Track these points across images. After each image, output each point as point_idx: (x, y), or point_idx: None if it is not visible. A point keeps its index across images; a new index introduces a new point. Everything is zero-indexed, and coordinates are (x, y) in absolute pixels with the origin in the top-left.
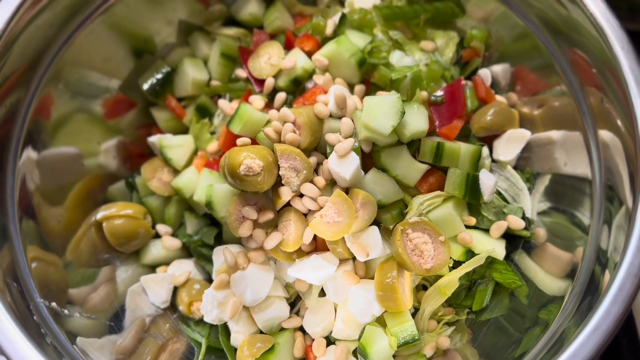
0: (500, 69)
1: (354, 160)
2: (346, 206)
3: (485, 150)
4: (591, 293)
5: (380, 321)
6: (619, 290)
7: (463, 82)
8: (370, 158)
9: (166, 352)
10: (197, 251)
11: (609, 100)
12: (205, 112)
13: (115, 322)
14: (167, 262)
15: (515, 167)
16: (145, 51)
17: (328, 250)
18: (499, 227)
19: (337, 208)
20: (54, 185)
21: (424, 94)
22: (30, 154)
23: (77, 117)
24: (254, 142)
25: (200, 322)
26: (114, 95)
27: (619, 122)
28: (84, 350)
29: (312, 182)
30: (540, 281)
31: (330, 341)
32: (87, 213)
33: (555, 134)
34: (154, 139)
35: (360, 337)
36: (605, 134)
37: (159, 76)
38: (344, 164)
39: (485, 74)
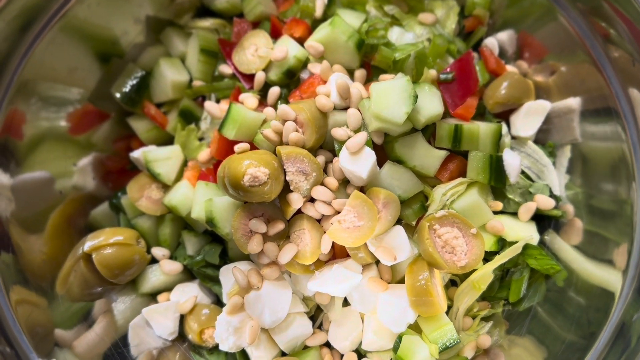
0: (505, 36)
1: (370, 156)
2: (367, 208)
3: (504, 128)
4: None
5: (413, 326)
6: None
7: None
8: (382, 150)
9: None
10: (201, 273)
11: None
12: (190, 117)
13: None
14: (168, 289)
15: (535, 142)
16: (113, 55)
17: (348, 256)
18: (527, 209)
19: (356, 211)
20: (29, 214)
21: (433, 72)
22: (0, 178)
23: (45, 136)
24: (252, 146)
25: (215, 349)
26: (80, 107)
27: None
28: None
29: (323, 184)
30: (576, 262)
31: (360, 354)
32: (70, 243)
33: (573, 101)
34: (137, 154)
35: (396, 348)
36: (636, 93)
37: (133, 82)
38: (358, 162)
39: (492, 43)
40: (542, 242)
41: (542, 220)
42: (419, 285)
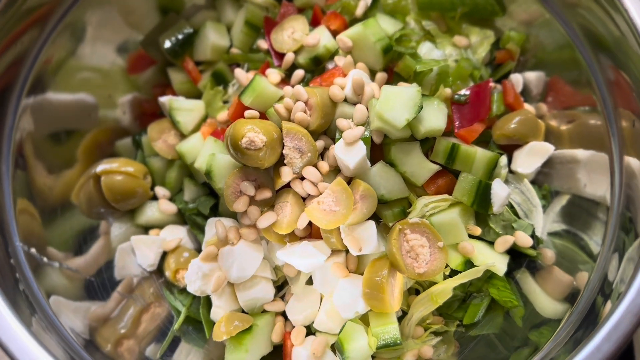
0: (534, 77)
1: (361, 149)
2: (345, 196)
3: (503, 159)
4: (588, 323)
5: (365, 319)
6: (614, 327)
7: (492, 84)
8: (380, 150)
9: (148, 313)
10: (192, 219)
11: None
12: (220, 79)
13: (96, 278)
14: (160, 226)
15: (533, 182)
16: (171, 9)
17: (321, 238)
18: (504, 242)
19: (335, 196)
20: (57, 131)
21: (448, 91)
22: (32, 99)
23: (90, 66)
24: (264, 116)
25: (184, 291)
26: (136, 50)
27: None
28: (58, 310)
29: (315, 166)
30: (539, 303)
31: (310, 331)
32: (92, 164)
33: (580, 153)
34: (164, 100)
35: (340, 332)
36: (631, 161)
37: (180, 36)
38: (350, 152)
39: (516, 79)
40: (512, 277)
41: (519, 257)
42: (376, 280)
